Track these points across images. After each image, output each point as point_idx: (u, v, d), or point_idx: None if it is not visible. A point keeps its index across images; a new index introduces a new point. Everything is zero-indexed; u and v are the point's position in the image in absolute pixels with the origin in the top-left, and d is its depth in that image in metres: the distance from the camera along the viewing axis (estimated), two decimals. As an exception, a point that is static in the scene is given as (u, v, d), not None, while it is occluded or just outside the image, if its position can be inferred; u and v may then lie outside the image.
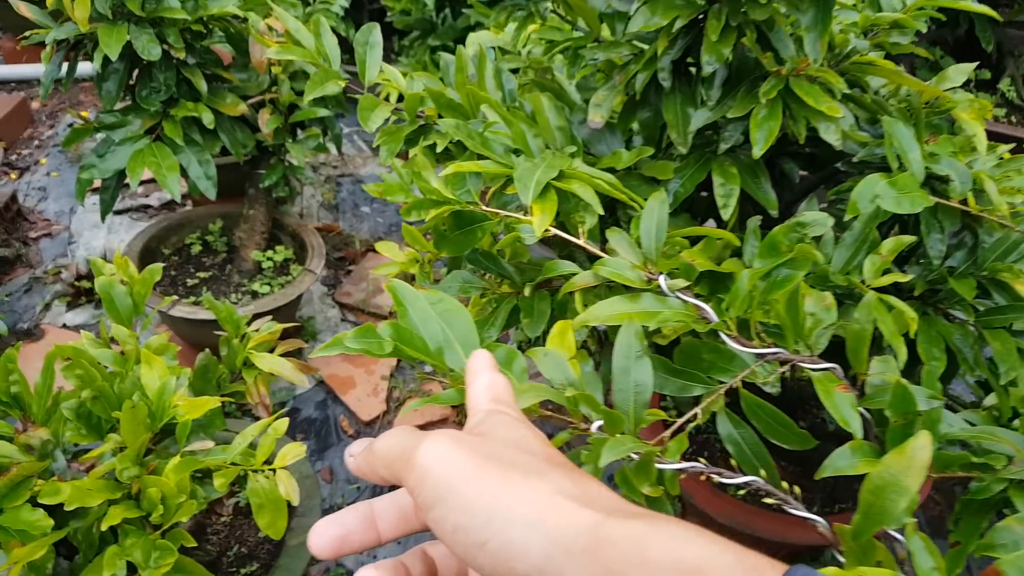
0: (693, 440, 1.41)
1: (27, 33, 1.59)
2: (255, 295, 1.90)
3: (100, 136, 1.70)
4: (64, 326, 2.11)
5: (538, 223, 0.74)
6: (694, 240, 0.90)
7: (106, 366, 1.02)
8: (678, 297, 0.71)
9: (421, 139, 0.91)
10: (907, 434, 0.70)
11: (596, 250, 0.77)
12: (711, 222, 1.16)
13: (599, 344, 1.04)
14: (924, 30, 1.02)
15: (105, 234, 2.46)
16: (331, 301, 2.23)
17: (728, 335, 0.69)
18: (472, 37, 1.54)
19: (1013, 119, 2.72)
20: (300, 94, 1.82)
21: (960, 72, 1.16)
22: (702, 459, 0.65)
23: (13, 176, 2.75)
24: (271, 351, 1.11)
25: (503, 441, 0.36)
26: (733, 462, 0.69)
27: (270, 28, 1.51)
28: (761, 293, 0.69)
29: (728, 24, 0.87)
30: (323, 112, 1.78)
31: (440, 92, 0.91)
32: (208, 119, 1.64)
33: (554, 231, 0.76)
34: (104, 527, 0.84)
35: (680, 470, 0.64)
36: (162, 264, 1.10)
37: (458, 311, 0.66)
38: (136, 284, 1.12)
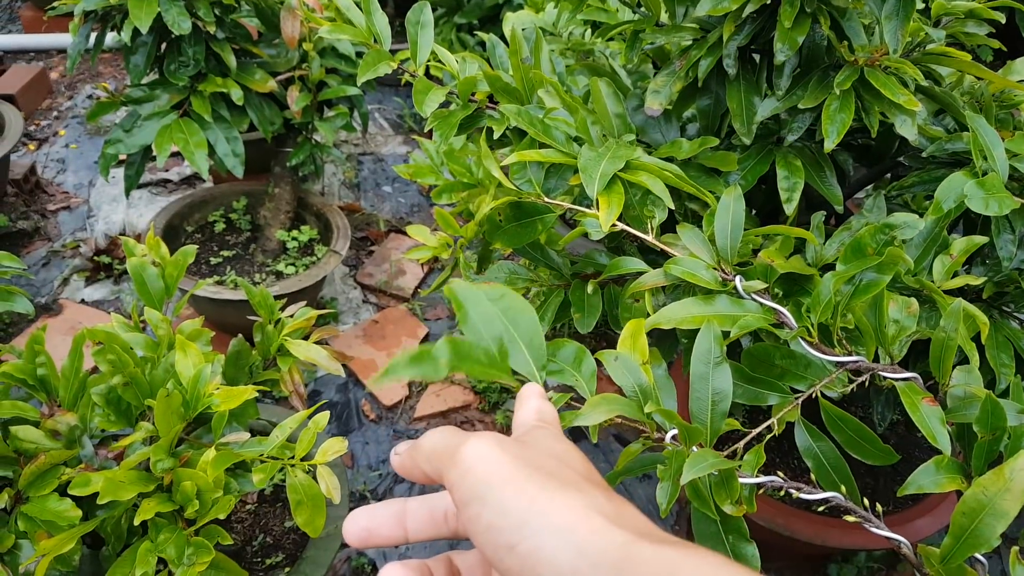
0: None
1: (55, 3, 1.55)
2: (279, 275, 1.87)
3: (123, 110, 1.66)
4: (82, 301, 2.08)
5: (605, 217, 0.70)
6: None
7: (138, 351, 0.98)
8: (754, 299, 0.67)
9: (475, 124, 0.87)
10: (993, 450, 0.66)
11: (664, 246, 0.73)
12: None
13: (650, 335, 1.00)
14: (1002, 20, 0.97)
15: (124, 208, 2.43)
16: (353, 282, 2.20)
17: (808, 341, 0.65)
18: (510, 16, 1.49)
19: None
20: (330, 71, 1.78)
21: (1028, 65, 1.12)
22: (780, 473, 0.62)
23: (32, 147, 2.71)
24: (305, 338, 1.07)
25: (546, 452, 0.36)
26: (812, 476, 0.66)
27: (304, 3, 1.46)
28: (846, 298, 0.65)
29: (803, 10, 0.83)
30: (353, 90, 1.74)
31: (496, 75, 0.86)
32: (237, 95, 1.60)
33: (621, 226, 0.72)
34: (137, 521, 0.80)
35: (758, 485, 0.60)
36: (195, 247, 1.06)
37: (523, 308, 0.62)
38: (168, 266, 1.09)
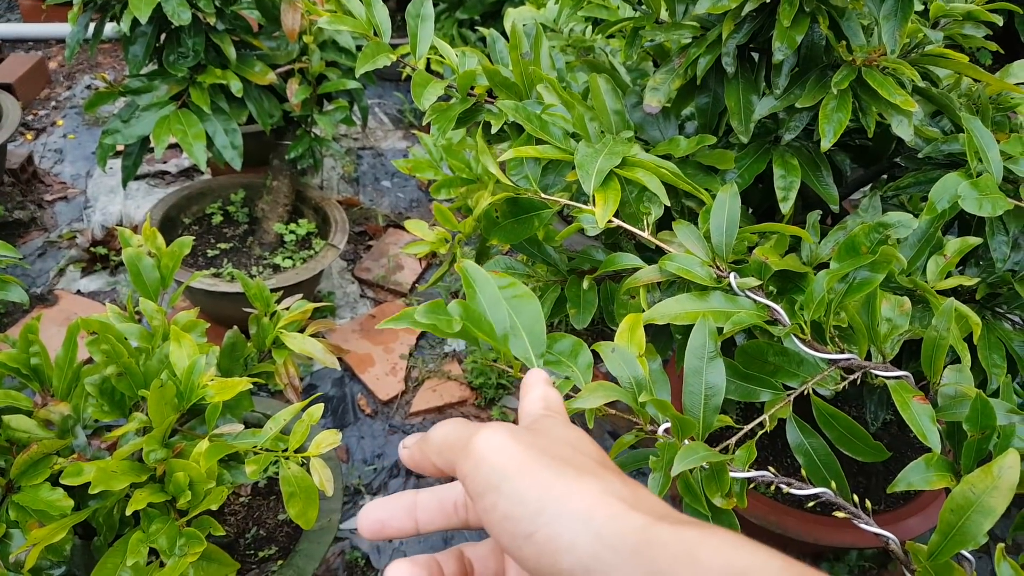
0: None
1: (54, -8, 1.55)
2: (277, 268, 1.87)
3: (122, 100, 1.66)
4: (78, 292, 2.08)
5: (601, 213, 0.70)
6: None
7: (132, 342, 0.98)
8: (749, 296, 0.67)
9: (473, 119, 0.87)
10: (983, 449, 0.66)
11: (660, 243, 0.73)
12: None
13: (646, 331, 1.01)
14: (1000, 22, 0.98)
15: (122, 199, 2.42)
16: (350, 276, 2.20)
17: (801, 339, 0.65)
18: (511, 12, 1.49)
19: (1050, 117, 2.66)
20: (330, 64, 1.78)
21: (1024, 67, 1.12)
22: (771, 468, 0.62)
23: (29, 137, 2.71)
24: (300, 330, 1.08)
25: (558, 439, 0.36)
26: (803, 472, 0.66)
27: (303, -5, 1.46)
28: (839, 296, 0.65)
29: (802, 9, 0.83)
30: (352, 84, 1.74)
31: (495, 70, 0.86)
32: (236, 87, 1.60)
33: (617, 222, 0.72)
34: (129, 511, 0.80)
35: (749, 480, 0.61)
36: (191, 238, 1.07)
37: (528, 299, 0.62)
38: (164, 257, 1.09)
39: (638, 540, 0.29)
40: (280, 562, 1.17)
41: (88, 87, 3.03)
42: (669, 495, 0.57)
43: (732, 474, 0.59)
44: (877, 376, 0.67)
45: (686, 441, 0.59)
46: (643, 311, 0.72)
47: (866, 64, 0.86)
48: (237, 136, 1.63)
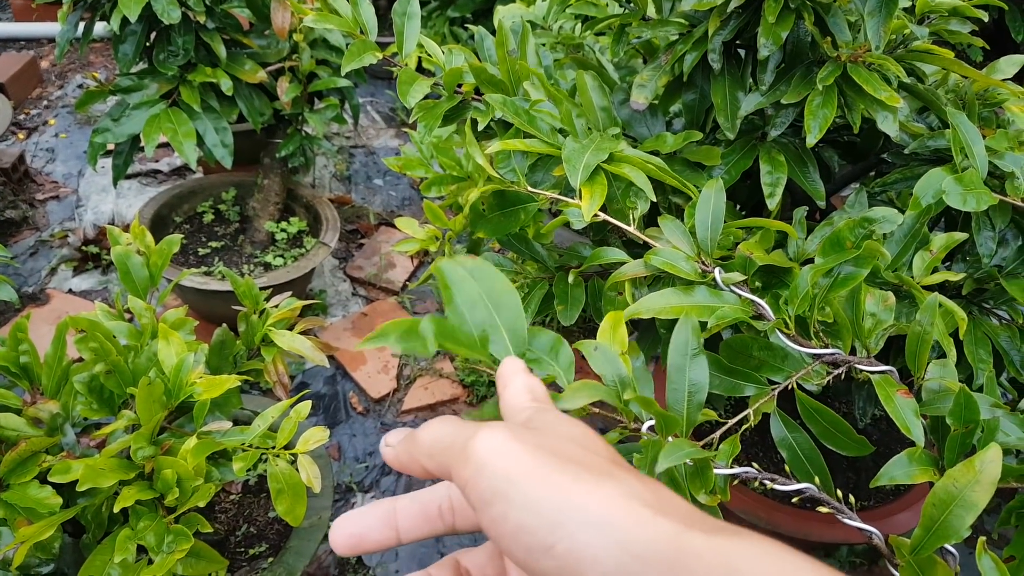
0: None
1: (43, -10, 1.54)
2: (268, 267, 1.87)
3: (112, 99, 1.66)
4: (70, 291, 2.07)
5: (587, 207, 0.71)
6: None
7: (121, 340, 0.98)
8: (733, 291, 0.68)
9: (460, 116, 0.87)
10: (966, 443, 0.67)
11: (647, 238, 0.73)
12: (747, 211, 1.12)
13: (635, 329, 1.01)
14: (984, 18, 0.98)
15: (114, 198, 2.42)
16: (342, 274, 2.19)
17: (786, 333, 0.65)
18: (501, 10, 1.49)
19: (1041, 114, 2.67)
20: (320, 62, 1.77)
21: (1011, 64, 1.13)
22: (755, 464, 0.62)
23: (21, 136, 2.70)
24: (290, 328, 1.08)
25: (564, 437, 0.33)
26: (786, 467, 0.66)
27: (293, -7, 1.46)
28: (824, 291, 0.65)
29: (787, 6, 0.83)
30: (343, 82, 1.74)
31: (482, 67, 0.86)
32: (227, 85, 1.60)
33: (603, 216, 0.72)
34: (117, 508, 0.80)
35: (733, 476, 0.61)
36: (180, 236, 1.06)
37: (506, 293, 0.62)
38: (153, 255, 1.09)
39: (669, 550, 0.27)
40: (270, 559, 1.16)
41: (80, 86, 3.02)
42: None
43: (716, 471, 0.60)
44: (862, 371, 0.67)
45: (670, 438, 0.59)
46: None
47: (851, 60, 0.86)
48: (227, 134, 1.63)
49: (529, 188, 0.74)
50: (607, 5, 1.26)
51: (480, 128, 0.85)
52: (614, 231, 0.91)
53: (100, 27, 1.64)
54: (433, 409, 1.86)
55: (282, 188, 1.93)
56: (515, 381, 0.39)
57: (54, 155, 2.61)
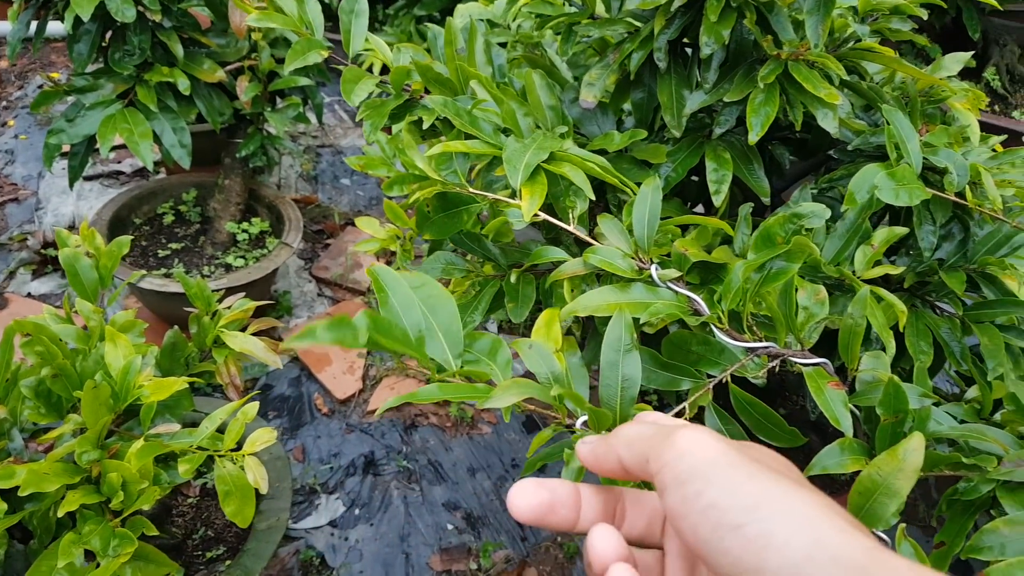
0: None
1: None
2: (229, 268, 1.86)
3: (71, 99, 1.64)
4: (29, 295, 2.05)
5: (527, 207, 0.71)
6: (682, 226, 0.88)
7: (69, 343, 0.97)
8: (669, 288, 0.69)
9: (408, 115, 0.87)
10: (897, 432, 0.68)
11: (587, 237, 0.74)
12: (699, 208, 1.13)
13: (583, 329, 1.02)
14: (924, 16, 1.00)
15: (74, 201, 2.39)
16: (308, 275, 2.19)
17: (720, 328, 0.66)
18: (461, 8, 1.49)
19: (996, 108, 2.71)
20: (280, 61, 1.77)
21: (955, 61, 1.15)
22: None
23: (-20, 138, 2.67)
24: (243, 329, 1.07)
25: (769, 455, 0.36)
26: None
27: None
28: (755, 286, 0.66)
29: (728, 5, 0.84)
30: (304, 81, 1.73)
31: (427, 66, 0.87)
32: (184, 85, 1.59)
33: (544, 216, 0.73)
34: (61, 513, 0.80)
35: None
36: (130, 236, 1.06)
37: (442, 298, 0.63)
38: (103, 256, 1.08)
39: (865, 558, 0.28)
40: (228, 562, 1.16)
41: (41, 87, 2.98)
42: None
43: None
44: (796, 363, 0.69)
45: (603, 433, 0.60)
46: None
47: (793, 58, 0.88)
48: (185, 135, 1.62)
49: (471, 189, 0.74)
50: (564, 3, 1.27)
51: (425, 127, 0.85)
52: (569, 230, 0.92)
53: (58, 27, 1.63)
54: (399, 410, 1.85)
55: (243, 188, 1.92)
56: (686, 424, 0.41)
57: (13, 157, 2.58)
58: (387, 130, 0.94)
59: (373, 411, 1.84)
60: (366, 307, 2.10)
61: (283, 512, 1.21)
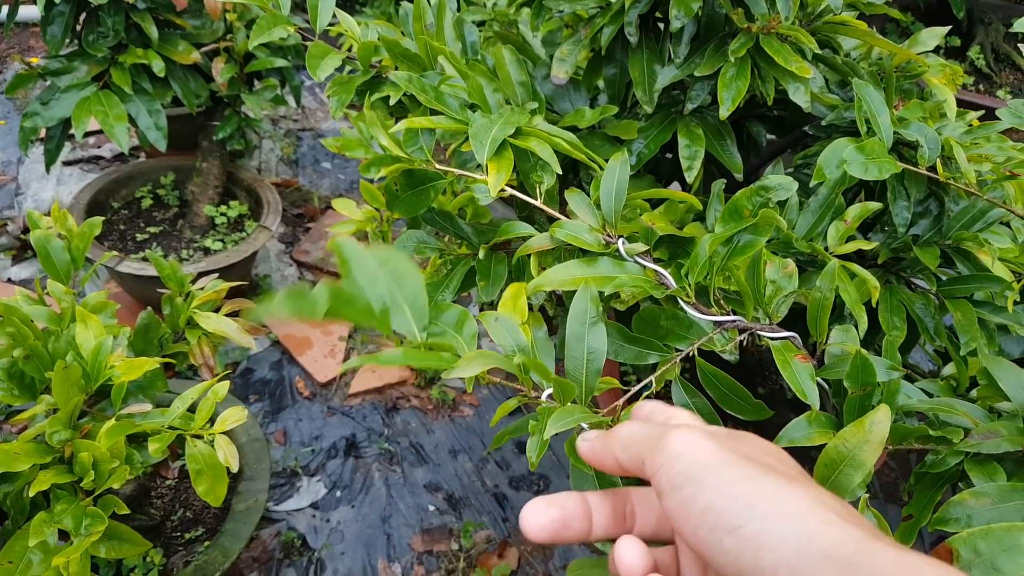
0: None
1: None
2: (207, 251, 1.84)
3: (48, 83, 1.62)
4: (9, 280, 2.04)
5: (493, 182, 0.71)
6: (656, 203, 0.88)
7: (40, 324, 0.97)
8: (636, 262, 0.68)
9: (371, 91, 0.87)
10: (865, 405, 0.68)
11: (554, 212, 0.73)
12: (676, 185, 1.13)
13: (557, 307, 1.02)
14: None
15: (54, 185, 2.37)
16: (288, 259, 2.18)
17: (686, 302, 0.66)
18: (436, -13, 1.48)
19: (981, 87, 2.72)
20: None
21: (932, 36, 1.14)
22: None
23: (-43, 123, 2.64)
24: (217, 310, 1.07)
25: (760, 448, 0.36)
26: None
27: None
28: (722, 259, 0.66)
29: (697, -23, 0.83)
30: (280, 62, 1.72)
31: (395, 42, 0.86)
32: (158, 67, 1.57)
33: (511, 191, 0.73)
34: (32, 492, 0.80)
35: (633, 441, 0.62)
36: (103, 218, 1.05)
37: (408, 271, 0.63)
38: (75, 238, 1.07)
39: (854, 551, 0.28)
40: (207, 543, 1.16)
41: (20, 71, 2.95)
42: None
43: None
44: (763, 337, 0.69)
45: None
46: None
47: (764, 32, 0.87)
48: (161, 117, 1.60)
49: (437, 165, 0.74)
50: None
51: (392, 103, 0.85)
52: (538, 206, 0.91)
53: (35, 11, 1.60)
54: (381, 392, 1.85)
55: (221, 171, 1.90)
56: (681, 416, 0.43)
57: (-8, 142, 2.55)
58: (358, 107, 0.93)
59: (355, 394, 1.84)
60: (349, 290, 2.09)
61: (261, 493, 1.21)
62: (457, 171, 0.74)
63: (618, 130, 0.91)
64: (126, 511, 0.82)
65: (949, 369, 0.98)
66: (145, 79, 1.61)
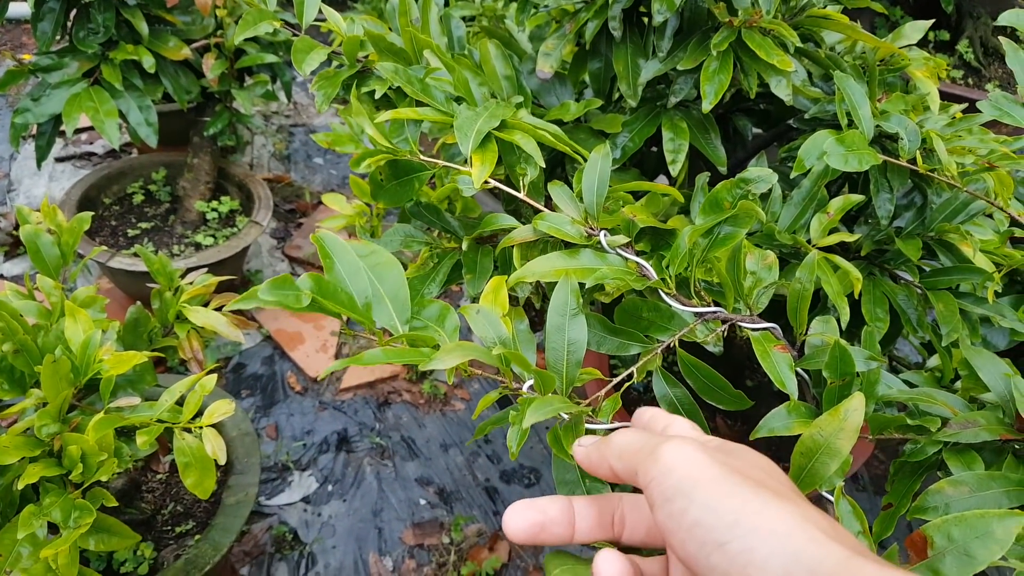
0: (640, 400, 1.41)
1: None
2: (199, 247, 1.85)
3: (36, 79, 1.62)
4: (1, 276, 2.04)
5: (477, 174, 0.71)
6: (640, 196, 0.88)
7: (30, 319, 0.97)
8: (618, 254, 0.69)
9: (357, 85, 0.87)
10: (844, 395, 0.69)
11: (538, 204, 0.74)
12: (663, 179, 1.14)
13: (544, 301, 1.02)
14: (881, -15, 1.00)
15: (47, 182, 2.38)
16: (280, 254, 2.18)
17: (667, 293, 0.67)
18: (425, -17, 1.48)
19: (970, 81, 2.73)
20: (249, 39, 1.75)
21: (916, 29, 1.15)
22: (637, 420, 0.64)
23: (-51, 120, 2.63)
24: (206, 305, 1.07)
25: (751, 463, 0.37)
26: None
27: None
28: (702, 251, 0.67)
29: (680, -29, 0.84)
30: (271, 58, 1.72)
31: (380, 36, 0.86)
32: (149, 63, 1.57)
33: (495, 183, 0.73)
34: (21, 485, 0.80)
35: (610, 430, 0.62)
36: (91, 213, 1.05)
37: (390, 265, 0.63)
38: (64, 233, 1.07)
39: (838, 570, 0.29)
40: (197, 537, 1.17)
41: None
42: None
43: (594, 425, 0.61)
44: (744, 328, 0.69)
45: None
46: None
47: (746, 25, 0.88)
48: (152, 113, 1.60)
49: (421, 156, 0.74)
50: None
51: (377, 96, 0.85)
52: (522, 198, 0.92)
53: (25, 8, 1.61)
54: (372, 387, 1.86)
55: (212, 167, 1.90)
56: (678, 422, 0.43)
57: (-17, 139, 2.55)
58: (344, 101, 0.94)
59: (346, 388, 1.84)
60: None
61: (251, 487, 1.21)
62: (442, 163, 0.75)
63: (603, 124, 0.92)
64: (115, 504, 0.83)
65: (934, 361, 0.99)
66: (136, 75, 1.61)
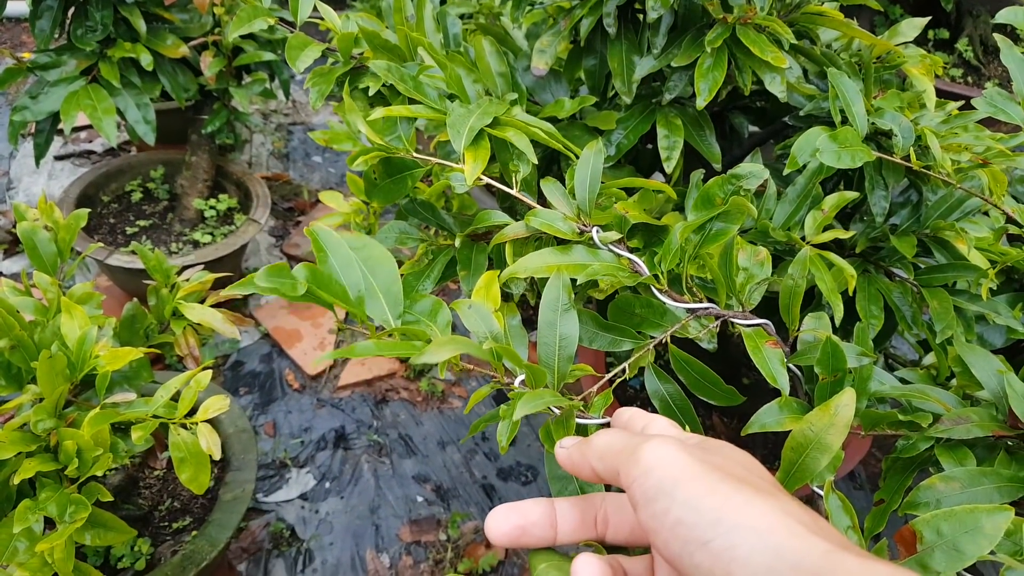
0: (636, 397, 1.41)
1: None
2: (197, 244, 1.85)
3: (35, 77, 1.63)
4: (1, 274, 2.04)
5: (469, 171, 0.71)
6: (633, 192, 0.88)
7: (26, 315, 0.97)
8: (610, 250, 0.69)
9: (351, 82, 0.87)
10: (836, 391, 0.69)
11: (531, 201, 0.74)
12: (658, 175, 1.14)
13: (539, 298, 1.02)
14: (875, -18, 1.00)
15: (45, 180, 2.38)
16: (279, 253, 2.18)
17: (659, 289, 0.67)
18: (422, -20, 1.49)
19: (970, 80, 2.73)
20: (246, 36, 1.75)
21: (912, 27, 1.15)
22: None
23: (-52, 118, 2.64)
24: (202, 302, 1.07)
25: (732, 459, 0.37)
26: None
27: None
28: (694, 247, 0.67)
29: (674, -32, 0.84)
30: (269, 56, 1.72)
31: (375, 33, 0.87)
32: (147, 60, 1.58)
33: (488, 180, 0.73)
34: (17, 480, 0.80)
35: (602, 425, 0.63)
36: (88, 210, 1.06)
37: (383, 259, 0.64)
38: (61, 230, 1.08)
39: (821, 564, 0.29)
40: (194, 532, 1.17)
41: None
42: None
43: (585, 420, 0.61)
44: (736, 324, 0.69)
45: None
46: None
47: (741, 22, 0.88)
48: (149, 111, 1.61)
49: (414, 153, 0.75)
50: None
51: (371, 93, 0.85)
52: (515, 195, 0.92)
53: (23, 7, 1.61)
54: (370, 384, 1.86)
55: (211, 165, 1.91)
56: (657, 421, 0.44)
57: (-17, 137, 2.55)
58: (339, 99, 0.94)
59: (344, 386, 1.85)
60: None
61: (248, 484, 1.22)
62: (435, 160, 0.75)
63: (598, 120, 0.92)
64: (110, 498, 0.83)
65: (930, 358, 0.99)
66: (133, 73, 1.62)
